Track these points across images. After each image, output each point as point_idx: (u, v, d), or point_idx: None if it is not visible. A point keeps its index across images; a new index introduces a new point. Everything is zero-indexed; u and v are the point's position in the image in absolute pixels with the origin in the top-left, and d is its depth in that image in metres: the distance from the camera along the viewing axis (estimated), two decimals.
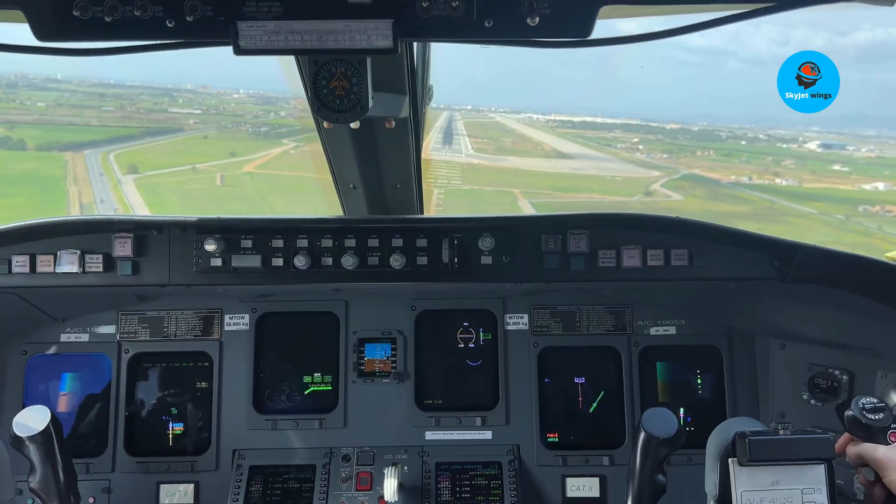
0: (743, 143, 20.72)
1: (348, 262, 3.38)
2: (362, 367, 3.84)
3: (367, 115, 2.33)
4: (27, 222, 3.42)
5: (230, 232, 3.42)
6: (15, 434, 2.96)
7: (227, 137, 18.43)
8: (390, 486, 3.43)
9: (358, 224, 3.50)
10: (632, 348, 3.86)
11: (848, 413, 2.40)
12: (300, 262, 3.39)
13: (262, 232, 3.43)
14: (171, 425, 3.85)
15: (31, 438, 2.94)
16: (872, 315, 3.24)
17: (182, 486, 3.74)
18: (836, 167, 18.58)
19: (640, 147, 21.09)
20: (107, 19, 1.96)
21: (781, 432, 2.29)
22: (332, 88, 2.29)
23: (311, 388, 3.87)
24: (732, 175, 19.51)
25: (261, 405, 3.83)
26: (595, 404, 3.87)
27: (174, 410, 3.85)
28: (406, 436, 3.79)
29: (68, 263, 3.40)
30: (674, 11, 2.13)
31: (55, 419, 3.01)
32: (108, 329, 3.86)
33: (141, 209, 13.70)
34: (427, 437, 3.79)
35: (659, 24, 2.13)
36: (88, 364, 3.85)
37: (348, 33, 2.00)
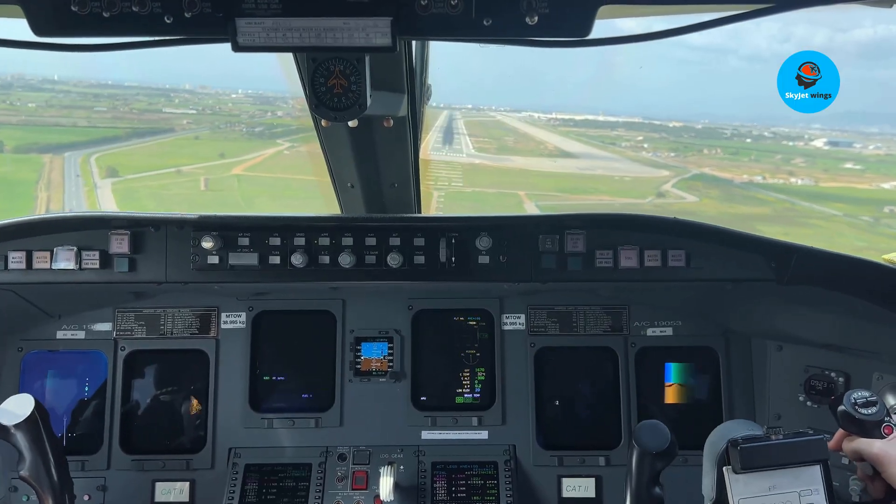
0: (748, 140, 20.44)
1: (345, 260, 3.38)
2: (359, 366, 3.84)
3: (365, 113, 2.33)
4: (24, 218, 3.41)
5: (227, 229, 3.42)
6: (0, 423, 2.94)
7: (219, 138, 18.01)
8: (386, 486, 3.42)
9: (355, 223, 3.50)
10: (628, 349, 3.86)
11: (840, 409, 2.40)
12: (297, 260, 3.39)
13: (260, 230, 3.43)
14: (166, 423, 3.84)
15: (17, 426, 2.91)
16: (869, 317, 3.25)
17: (178, 485, 3.73)
18: (849, 165, 18.23)
19: (646, 145, 20.82)
20: (105, 15, 1.96)
21: (773, 437, 2.28)
22: (330, 87, 2.29)
23: (308, 387, 3.86)
24: (745, 174, 19.14)
25: (257, 404, 3.82)
26: (591, 405, 3.88)
27: (170, 408, 3.85)
28: (402, 435, 3.79)
29: (65, 260, 3.39)
30: (673, 11, 2.13)
31: (39, 405, 2.98)
32: (105, 326, 3.85)
33: None
34: (423, 437, 3.79)
35: (658, 23, 2.14)
36: (84, 361, 3.84)
37: (347, 31, 2.00)
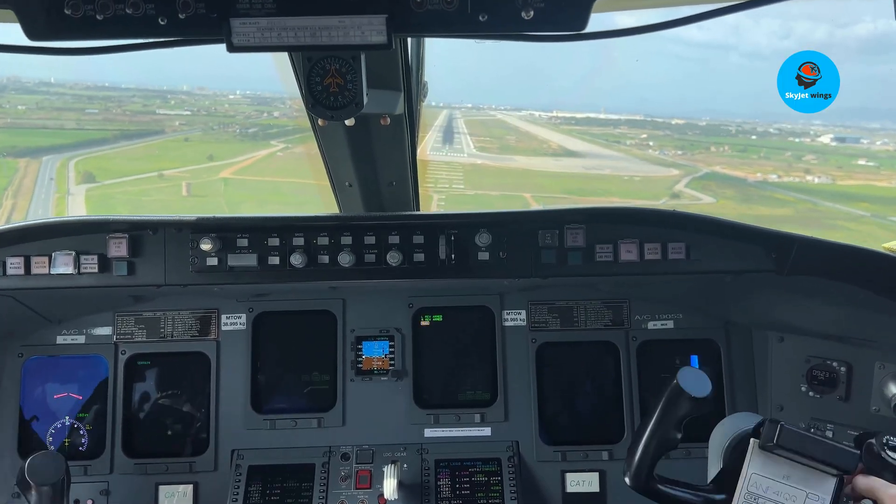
0: (753, 137, 19.95)
1: (345, 259, 3.37)
2: (360, 366, 3.84)
3: (361, 112, 2.32)
4: (21, 223, 3.41)
5: (226, 231, 3.41)
6: (26, 479, 2.89)
7: (210, 140, 17.25)
8: (390, 485, 3.42)
9: (354, 222, 3.49)
10: (630, 343, 3.86)
11: (869, 442, 2.37)
12: (296, 260, 3.38)
13: (258, 230, 3.42)
14: (168, 426, 3.84)
15: (40, 487, 2.88)
16: (870, 306, 3.24)
17: (181, 487, 3.73)
18: (862, 162, 17.61)
19: (651, 143, 20.37)
20: (98, 17, 1.96)
21: (813, 431, 2.29)
22: (326, 85, 2.28)
23: (310, 387, 3.86)
24: (758, 172, 18.56)
25: (259, 405, 3.82)
26: (593, 400, 3.88)
27: (172, 411, 3.84)
28: (405, 433, 3.79)
29: (63, 265, 3.38)
30: (669, 4, 2.13)
31: (68, 469, 2.97)
32: (105, 330, 3.84)
33: None
34: (426, 435, 3.79)
35: (654, 16, 2.13)
36: (85, 366, 3.84)
37: (342, 29, 2.00)
